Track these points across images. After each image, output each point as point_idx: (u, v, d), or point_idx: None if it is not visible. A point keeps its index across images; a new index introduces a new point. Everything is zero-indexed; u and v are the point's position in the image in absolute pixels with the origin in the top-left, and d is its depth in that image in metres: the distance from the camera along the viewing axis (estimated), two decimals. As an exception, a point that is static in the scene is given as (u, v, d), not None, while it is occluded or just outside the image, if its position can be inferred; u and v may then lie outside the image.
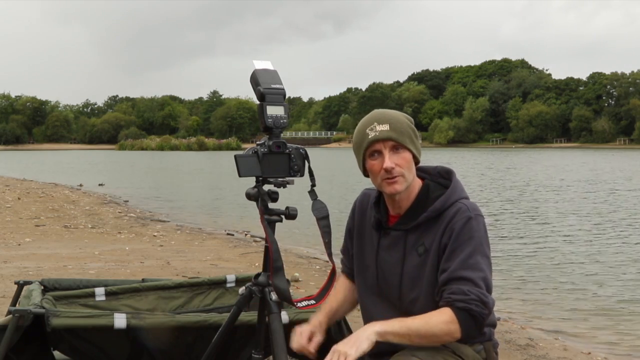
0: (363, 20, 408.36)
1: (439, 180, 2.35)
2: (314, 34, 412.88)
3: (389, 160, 2.22)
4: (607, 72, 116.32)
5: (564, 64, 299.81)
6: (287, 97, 2.16)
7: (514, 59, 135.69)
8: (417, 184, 2.32)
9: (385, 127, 2.23)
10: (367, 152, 2.27)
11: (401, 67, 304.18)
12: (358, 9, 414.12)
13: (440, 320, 2.11)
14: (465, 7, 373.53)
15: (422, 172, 2.36)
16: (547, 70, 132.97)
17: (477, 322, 2.15)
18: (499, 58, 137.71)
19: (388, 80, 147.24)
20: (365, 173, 2.33)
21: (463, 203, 2.24)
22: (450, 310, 2.12)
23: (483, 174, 32.95)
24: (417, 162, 2.30)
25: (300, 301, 2.10)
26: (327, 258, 2.29)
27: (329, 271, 2.19)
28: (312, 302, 2.11)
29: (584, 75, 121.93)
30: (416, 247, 2.26)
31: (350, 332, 2.92)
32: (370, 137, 2.24)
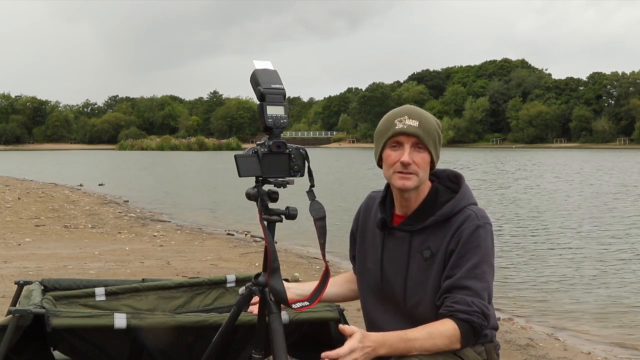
0: (377, 18, 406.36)
1: (447, 184, 2.35)
2: (327, 32, 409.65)
3: (408, 155, 2.23)
4: (615, 71, 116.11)
5: (579, 62, 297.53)
6: (287, 97, 2.16)
7: (528, 57, 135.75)
8: (427, 186, 2.33)
9: (415, 122, 2.25)
10: (389, 142, 2.28)
11: (406, 66, 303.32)
12: (372, 7, 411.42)
13: (443, 334, 2.12)
14: (480, 5, 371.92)
15: (431, 175, 2.36)
16: (546, 70, 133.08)
17: (476, 334, 2.17)
18: (513, 56, 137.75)
19: (389, 80, 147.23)
20: (379, 162, 2.34)
21: (472, 210, 2.25)
22: (452, 322, 2.13)
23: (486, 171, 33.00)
24: (432, 166, 2.31)
25: (295, 302, 2.10)
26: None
27: (322, 272, 2.18)
28: (306, 303, 2.11)
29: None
30: (421, 250, 2.26)
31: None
32: (397, 127, 2.26)
